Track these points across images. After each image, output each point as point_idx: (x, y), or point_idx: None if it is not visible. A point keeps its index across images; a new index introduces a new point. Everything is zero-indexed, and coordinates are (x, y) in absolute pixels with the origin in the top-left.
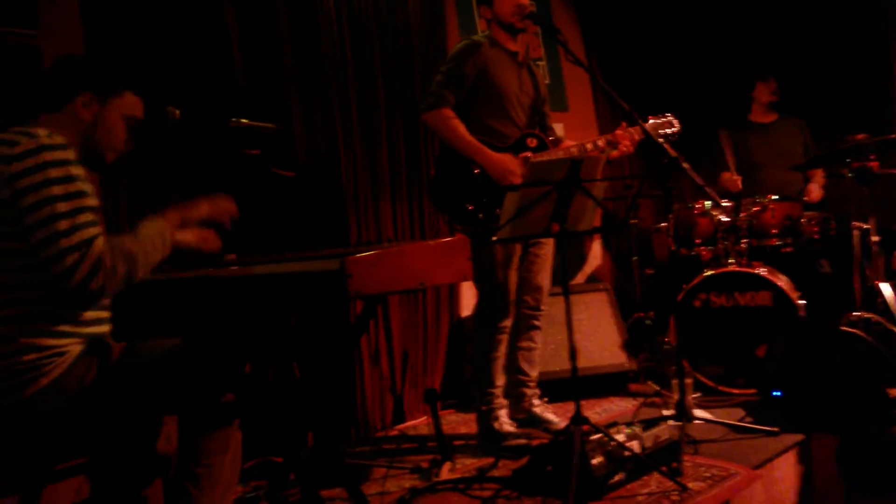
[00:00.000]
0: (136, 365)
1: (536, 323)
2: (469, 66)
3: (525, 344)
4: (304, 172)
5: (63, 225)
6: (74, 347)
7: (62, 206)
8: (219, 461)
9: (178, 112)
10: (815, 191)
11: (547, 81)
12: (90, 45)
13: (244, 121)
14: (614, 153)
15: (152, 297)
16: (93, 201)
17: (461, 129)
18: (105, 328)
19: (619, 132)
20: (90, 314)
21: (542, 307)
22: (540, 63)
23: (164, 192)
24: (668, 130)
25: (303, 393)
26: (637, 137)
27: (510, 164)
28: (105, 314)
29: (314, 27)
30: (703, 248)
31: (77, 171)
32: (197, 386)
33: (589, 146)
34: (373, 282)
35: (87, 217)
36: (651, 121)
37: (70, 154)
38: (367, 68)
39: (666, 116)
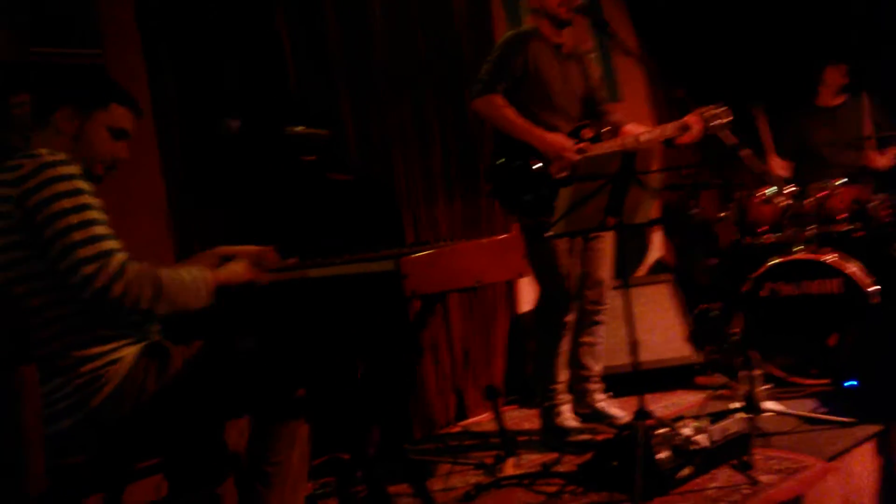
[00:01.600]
0: (206, 366)
1: (599, 318)
2: (516, 57)
3: (587, 339)
4: (359, 175)
5: (77, 236)
6: (127, 350)
7: (74, 219)
8: (287, 458)
9: (236, 123)
10: (879, 159)
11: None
12: (150, 59)
13: (299, 128)
14: (684, 138)
15: (217, 300)
16: (102, 215)
17: (512, 113)
18: (152, 329)
19: (689, 117)
20: (128, 318)
21: (605, 301)
22: (591, 55)
23: (230, 203)
24: (720, 121)
25: (367, 391)
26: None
27: (565, 142)
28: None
29: (363, 28)
30: (768, 235)
31: (83, 184)
32: (270, 384)
33: (660, 132)
34: (428, 281)
35: (102, 230)
36: (702, 111)
37: (74, 168)
38: (416, 67)
39: (720, 106)
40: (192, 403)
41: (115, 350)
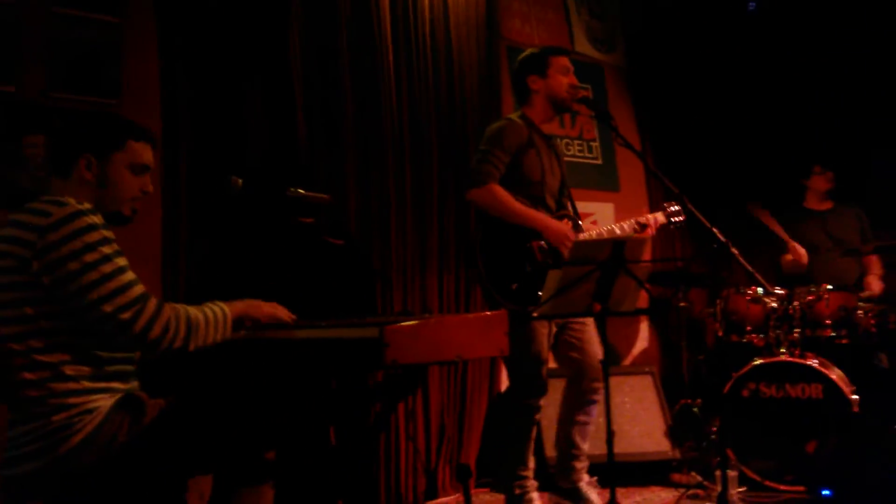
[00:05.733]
0: (177, 423)
1: (596, 397)
2: (507, 145)
3: (582, 418)
4: (352, 241)
5: (112, 285)
6: (103, 403)
7: (106, 268)
8: None
9: (240, 181)
10: (874, 283)
11: (599, 162)
12: (166, 113)
13: (301, 191)
14: (639, 235)
15: (198, 356)
16: (126, 261)
17: (512, 200)
18: (132, 384)
19: (646, 215)
20: (114, 368)
21: (602, 379)
22: (593, 144)
23: (223, 257)
24: (676, 219)
25: (337, 460)
26: (661, 221)
27: (567, 232)
28: (130, 368)
29: (376, 102)
30: (753, 335)
31: (108, 233)
32: (238, 444)
33: (620, 229)
34: (410, 351)
35: (132, 275)
36: (666, 206)
37: (99, 218)
38: (424, 141)
39: (674, 205)
40: (158, 458)
41: (92, 402)
